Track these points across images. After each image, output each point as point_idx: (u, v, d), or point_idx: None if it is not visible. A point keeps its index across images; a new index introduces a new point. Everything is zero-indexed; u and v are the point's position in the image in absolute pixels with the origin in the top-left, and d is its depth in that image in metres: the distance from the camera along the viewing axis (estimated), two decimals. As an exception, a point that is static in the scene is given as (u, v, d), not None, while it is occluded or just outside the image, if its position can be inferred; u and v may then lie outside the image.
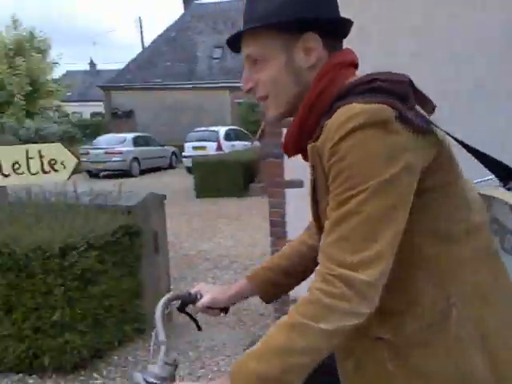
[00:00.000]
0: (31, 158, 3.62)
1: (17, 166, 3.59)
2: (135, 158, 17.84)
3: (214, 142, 16.92)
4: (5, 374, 3.31)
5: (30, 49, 24.25)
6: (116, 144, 17.79)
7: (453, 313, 1.01)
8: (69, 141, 19.42)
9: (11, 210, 3.66)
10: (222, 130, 17.72)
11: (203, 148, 16.41)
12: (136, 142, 18.60)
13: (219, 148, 16.53)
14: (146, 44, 31.29)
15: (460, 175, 1.07)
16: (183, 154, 17.42)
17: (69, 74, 38.69)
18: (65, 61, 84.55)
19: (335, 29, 1.11)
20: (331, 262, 0.93)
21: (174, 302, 1.36)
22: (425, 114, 1.04)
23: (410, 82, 1.02)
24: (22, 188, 3.99)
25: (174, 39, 28.36)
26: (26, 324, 3.15)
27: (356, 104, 0.97)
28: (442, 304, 1.01)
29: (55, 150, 3.75)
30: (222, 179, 11.71)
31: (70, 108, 33.29)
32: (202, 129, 18.34)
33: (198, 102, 25.10)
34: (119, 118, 26.51)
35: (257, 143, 15.14)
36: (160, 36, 29.05)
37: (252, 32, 1.10)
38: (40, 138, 20.00)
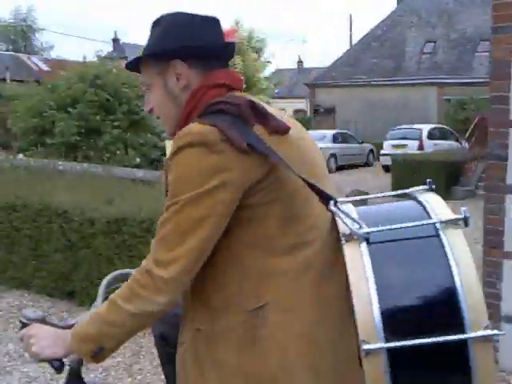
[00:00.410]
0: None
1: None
2: (333, 155, 18.09)
3: (415, 140, 16.24)
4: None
5: (247, 48, 26.12)
6: (316, 140, 18.08)
7: (261, 315, 1.11)
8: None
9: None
10: (425, 128, 16.93)
11: (403, 146, 15.88)
12: (335, 138, 18.83)
13: (421, 147, 15.80)
14: (354, 41, 31.31)
15: (294, 195, 1.12)
16: (381, 151, 17.08)
17: (277, 72, 40.84)
18: (276, 59, 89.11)
19: (205, 54, 1.23)
20: (149, 258, 1.11)
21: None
22: (263, 137, 1.09)
23: (249, 106, 1.12)
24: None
25: (383, 35, 27.90)
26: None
27: (192, 124, 1.10)
28: (252, 306, 1.11)
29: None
30: (421, 180, 11.08)
31: (277, 105, 35.16)
32: (405, 126, 17.74)
33: (401, 99, 24.36)
34: (321, 115, 27.15)
35: (465, 144, 14.08)
36: (369, 33, 28.84)
37: (142, 62, 1.28)
38: (249, 134, 21.45)
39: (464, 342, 0.96)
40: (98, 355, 1.15)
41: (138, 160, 11.13)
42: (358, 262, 1.02)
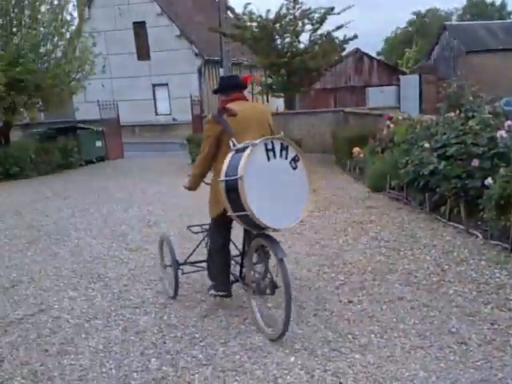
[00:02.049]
0: None
1: None
2: None
3: None
4: None
5: None
6: None
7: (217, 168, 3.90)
8: None
9: None
10: None
11: None
12: None
13: None
14: None
15: (229, 139, 3.68)
16: None
17: None
18: None
19: (226, 89, 4.10)
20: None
21: None
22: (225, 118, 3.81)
23: (223, 108, 3.83)
24: None
25: None
26: None
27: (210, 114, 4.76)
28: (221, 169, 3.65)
29: None
30: None
31: None
32: None
33: None
34: None
35: None
36: None
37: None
38: None
39: (237, 179, 3.37)
40: (190, 188, 4.18)
41: None
42: (229, 155, 3.61)
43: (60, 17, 13.76)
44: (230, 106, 3.85)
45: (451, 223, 6.29)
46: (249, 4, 13.69)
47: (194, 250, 4.52)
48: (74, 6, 15.14)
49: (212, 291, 4.08)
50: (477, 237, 5.70)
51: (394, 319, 3.92)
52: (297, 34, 13.21)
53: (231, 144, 3.59)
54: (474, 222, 5.97)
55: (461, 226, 6.08)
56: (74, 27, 14.43)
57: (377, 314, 4.00)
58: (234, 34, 14.17)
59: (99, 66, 15.17)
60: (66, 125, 16.74)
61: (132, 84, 25.97)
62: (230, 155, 3.56)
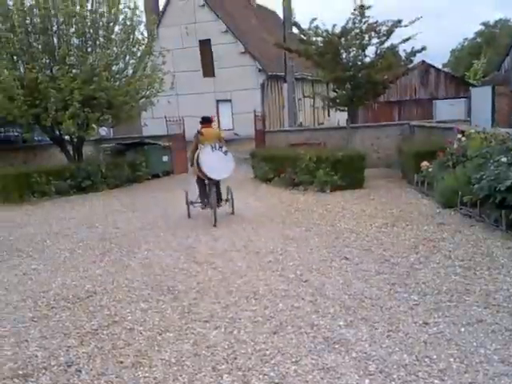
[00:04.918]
0: None
1: None
2: None
3: None
4: None
5: None
6: None
7: (198, 157, 9.26)
8: None
9: None
10: None
11: None
12: None
13: None
14: None
15: (203, 142, 9.02)
16: None
17: None
18: None
19: (203, 122, 9.56)
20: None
21: None
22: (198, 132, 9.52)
23: (200, 131, 9.28)
24: None
25: None
26: None
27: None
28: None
29: None
30: None
31: None
32: None
33: None
34: None
35: None
36: None
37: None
38: None
39: (198, 158, 8.94)
40: (191, 165, 9.55)
41: None
42: (198, 151, 8.94)
43: (132, 36, 14.37)
44: (203, 130, 9.12)
45: (531, 242, 5.96)
46: (315, 19, 13.67)
47: (198, 197, 9.20)
48: (144, 25, 15.74)
49: (199, 206, 9.21)
50: (561, 257, 5.38)
51: (474, 343, 3.72)
52: (363, 48, 13.05)
53: (199, 146, 8.78)
54: (558, 241, 5.63)
55: (543, 246, 5.75)
56: (143, 46, 14.98)
57: (455, 338, 3.82)
58: (299, 49, 14.20)
59: (167, 84, 15.63)
60: (135, 140, 17.34)
61: (197, 100, 26.55)
62: (198, 151, 8.74)
